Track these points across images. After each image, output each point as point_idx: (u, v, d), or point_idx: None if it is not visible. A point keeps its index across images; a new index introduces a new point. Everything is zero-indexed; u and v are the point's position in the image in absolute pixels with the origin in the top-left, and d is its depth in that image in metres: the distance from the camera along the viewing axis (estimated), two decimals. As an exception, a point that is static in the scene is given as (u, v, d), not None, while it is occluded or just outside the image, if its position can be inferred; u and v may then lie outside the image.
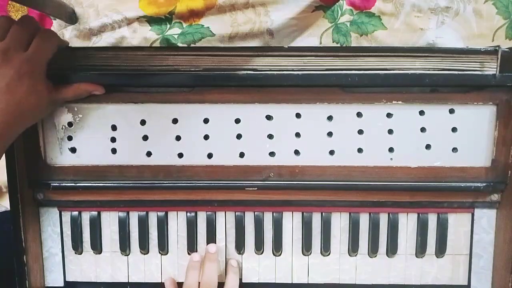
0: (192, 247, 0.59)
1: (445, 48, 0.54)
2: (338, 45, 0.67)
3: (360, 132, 0.56)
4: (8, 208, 0.61)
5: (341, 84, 0.54)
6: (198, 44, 0.67)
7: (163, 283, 0.60)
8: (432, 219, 0.58)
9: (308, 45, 0.67)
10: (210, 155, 0.57)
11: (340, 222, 0.59)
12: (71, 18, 0.67)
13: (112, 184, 0.58)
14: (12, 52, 0.47)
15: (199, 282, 0.56)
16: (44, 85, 0.50)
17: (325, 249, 0.59)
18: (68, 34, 0.68)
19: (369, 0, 0.66)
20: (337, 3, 0.66)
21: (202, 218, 0.59)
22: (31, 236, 0.59)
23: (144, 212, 0.59)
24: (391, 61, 0.53)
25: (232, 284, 0.57)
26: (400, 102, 0.55)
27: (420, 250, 0.58)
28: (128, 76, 0.54)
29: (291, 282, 0.60)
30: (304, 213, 0.59)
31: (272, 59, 0.53)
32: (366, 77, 0.53)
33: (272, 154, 0.57)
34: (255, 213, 0.59)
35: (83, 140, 0.57)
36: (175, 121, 0.57)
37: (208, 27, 0.67)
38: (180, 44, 0.67)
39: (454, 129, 0.56)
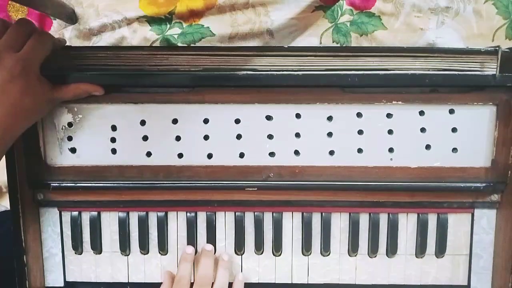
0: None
1: (445, 48, 0.54)
2: (338, 45, 0.66)
3: (360, 132, 0.56)
4: (8, 208, 0.61)
5: (341, 84, 0.54)
6: (198, 44, 0.67)
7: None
8: (432, 219, 0.58)
9: (308, 45, 0.67)
10: (210, 155, 0.57)
11: (340, 222, 0.59)
12: (71, 18, 0.67)
13: (112, 184, 0.58)
14: (3, 53, 0.47)
15: (194, 281, 0.56)
16: (39, 84, 0.50)
17: (325, 249, 0.59)
18: (68, 34, 0.68)
19: (369, 0, 0.66)
20: (337, 3, 0.66)
21: (202, 218, 0.59)
22: (31, 236, 0.59)
23: (144, 212, 0.59)
24: (391, 61, 0.53)
25: (221, 281, 0.56)
26: (400, 102, 0.55)
27: (420, 250, 0.58)
28: (128, 76, 0.54)
29: (291, 282, 0.60)
30: (304, 213, 0.59)
31: (272, 59, 0.53)
32: (366, 77, 0.53)
33: (272, 154, 0.57)
34: (255, 213, 0.59)
35: (83, 140, 0.57)
36: (175, 121, 0.57)
37: (208, 27, 0.67)
38: (180, 44, 0.67)
39: (454, 129, 0.56)
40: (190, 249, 0.58)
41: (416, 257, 0.59)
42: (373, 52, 0.53)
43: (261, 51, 0.53)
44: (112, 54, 0.53)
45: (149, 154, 0.57)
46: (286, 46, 0.55)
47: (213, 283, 0.56)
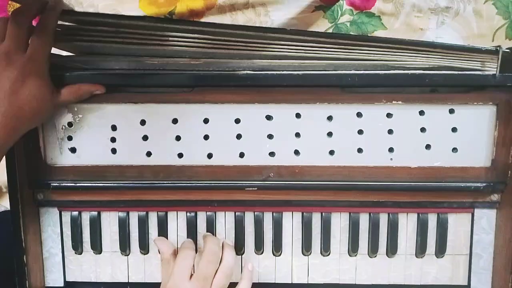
0: (192, 247, 0.59)
1: (446, 44, 0.53)
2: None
3: (360, 132, 0.56)
4: (8, 208, 0.61)
5: (341, 84, 0.54)
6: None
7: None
8: (432, 219, 0.58)
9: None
10: (210, 155, 0.57)
11: (340, 222, 0.59)
12: (71, 18, 0.67)
13: (112, 184, 0.58)
14: (13, 54, 0.47)
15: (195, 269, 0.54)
16: (47, 86, 0.50)
17: (325, 249, 0.59)
18: (68, 34, 0.68)
19: (369, 0, 0.66)
20: (337, 3, 0.66)
21: (202, 218, 0.59)
22: (31, 236, 0.59)
23: (144, 212, 0.59)
24: (392, 54, 0.53)
25: (228, 260, 0.55)
26: (400, 102, 0.55)
27: (420, 250, 0.58)
28: (128, 76, 0.54)
29: (291, 282, 0.60)
30: (304, 213, 0.59)
31: (273, 43, 0.52)
32: (366, 76, 0.53)
33: (272, 154, 0.57)
34: (255, 213, 0.59)
35: (83, 140, 0.57)
36: (175, 121, 0.57)
37: (208, 27, 0.67)
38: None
39: (454, 129, 0.56)
40: (189, 240, 0.58)
41: (416, 257, 0.59)
42: (375, 42, 0.52)
43: (264, 32, 0.52)
44: (112, 22, 0.51)
45: (149, 154, 0.57)
46: (289, 29, 0.54)
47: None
